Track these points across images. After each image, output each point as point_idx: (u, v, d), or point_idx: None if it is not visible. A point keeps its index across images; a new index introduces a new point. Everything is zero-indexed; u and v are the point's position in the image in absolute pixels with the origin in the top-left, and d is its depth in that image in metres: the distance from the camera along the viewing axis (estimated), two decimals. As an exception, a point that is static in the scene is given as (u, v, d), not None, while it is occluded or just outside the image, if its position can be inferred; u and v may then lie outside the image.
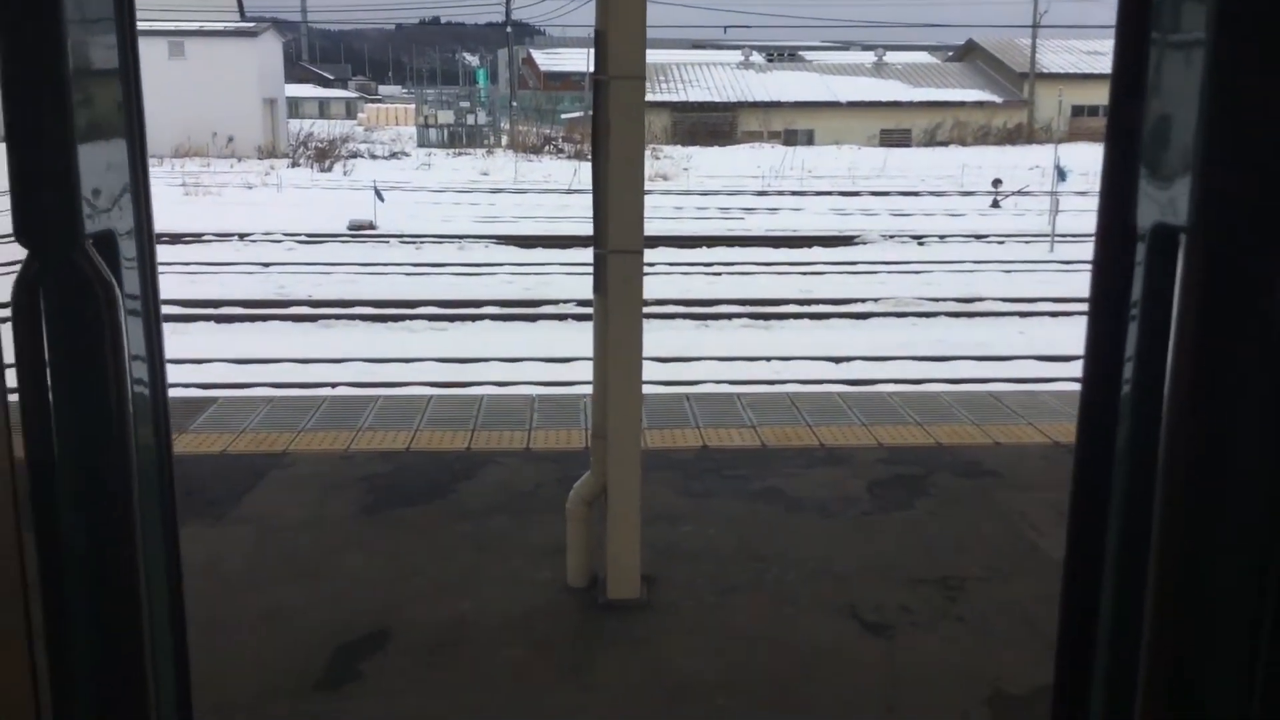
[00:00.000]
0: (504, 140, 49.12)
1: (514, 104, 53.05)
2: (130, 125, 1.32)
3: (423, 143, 49.12)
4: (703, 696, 3.56)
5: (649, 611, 4.09)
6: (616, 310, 3.85)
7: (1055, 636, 1.73)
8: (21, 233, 1.20)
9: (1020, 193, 27.50)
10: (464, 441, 5.89)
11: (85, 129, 1.23)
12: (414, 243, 20.03)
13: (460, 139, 49.47)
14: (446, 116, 51.42)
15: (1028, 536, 4.76)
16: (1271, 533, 1.21)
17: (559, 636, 3.92)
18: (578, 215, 24.25)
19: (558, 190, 30.00)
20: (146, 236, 1.37)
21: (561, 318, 13.70)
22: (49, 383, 1.24)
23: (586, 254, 19.39)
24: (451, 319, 13.58)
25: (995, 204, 26.63)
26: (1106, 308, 1.21)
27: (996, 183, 27.95)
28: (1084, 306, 1.40)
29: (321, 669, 3.67)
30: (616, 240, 3.81)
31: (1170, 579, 1.32)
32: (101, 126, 1.29)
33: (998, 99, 51.04)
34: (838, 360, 11.35)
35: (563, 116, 51.28)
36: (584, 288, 15.34)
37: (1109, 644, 1.54)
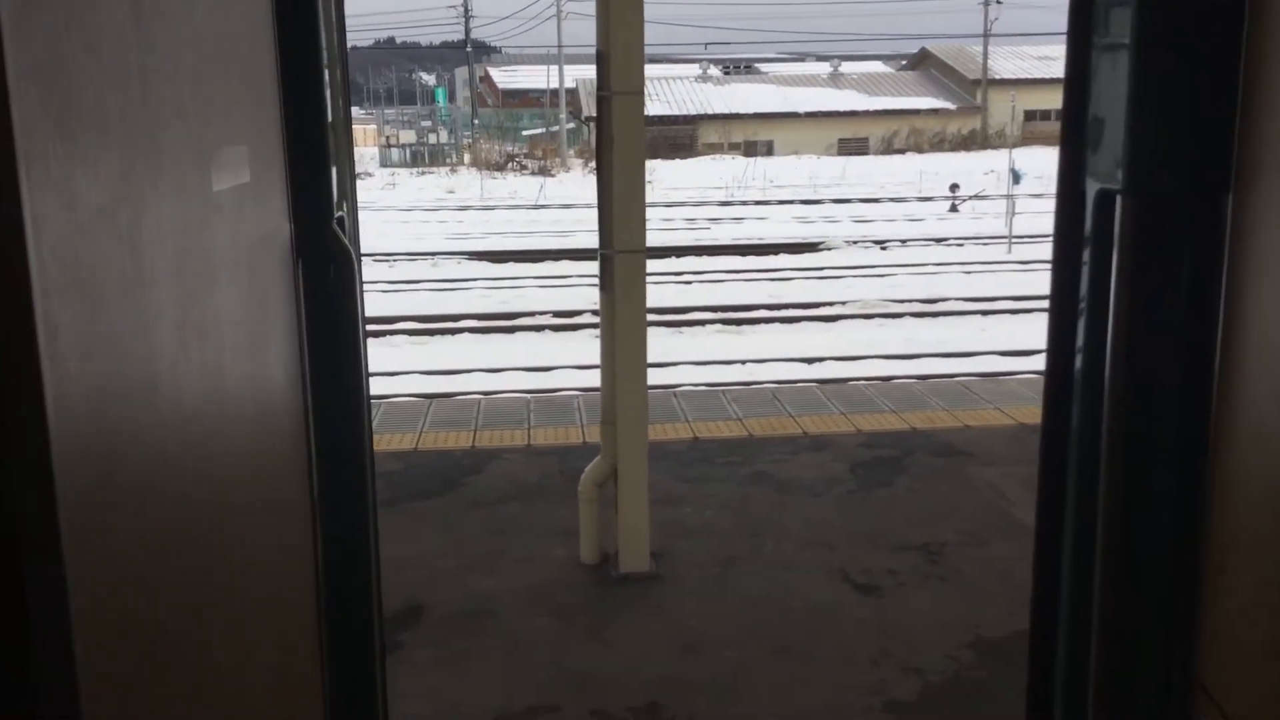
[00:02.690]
0: (466, 158, 49.42)
1: (476, 122, 53.38)
2: (349, 150, 1.71)
3: (385, 163, 49.33)
4: (713, 651, 3.93)
5: (659, 582, 4.45)
6: (623, 305, 4.23)
7: (1030, 589, 2.11)
8: (293, 216, 1.57)
9: (977, 197, 28.20)
10: (468, 441, 6.23)
11: (333, 153, 1.61)
12: (387, 260, 20.32)
13: (423, 158, 49.76)
14: (408, 136, 51.71)
15: (999, 505, 5.18)
16: (1198, 462, 1.55)
17: (578, 605, 4.27)
18: (546, 230, 24.66)
19: (524, 206, 30.37)
20: (355, 225, 1.75)
21: (539, 329, 14.06)
22: (305, 321, 1.60)
23: (558, 267, 19.68)
24: (431, 333, 13.89)
25: (953, 208, 27.30)
26: (1064, 258, 1.60)
27: (954, 188, 28.65)
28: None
29: (363, 641, 4.00)
30: (621, 241, 4.19)
31: (1114, 504, 1.67)
32: (338, 152, 1.67)
33: (952, 106, 52.01)
34: (810, 361, 11.78)
35: (524, 134, 51.68)
36: (558, 300, 15.74)
37: (1070, 594, 1.92)
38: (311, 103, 1.57)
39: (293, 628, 1.64)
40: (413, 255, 20.82)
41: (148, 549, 1.07)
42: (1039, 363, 10.71)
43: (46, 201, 0.85)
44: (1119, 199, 1.45)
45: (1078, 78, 1.58)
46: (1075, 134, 1.59)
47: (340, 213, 1.66)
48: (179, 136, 1.14)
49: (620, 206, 4.17)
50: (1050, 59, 51.20)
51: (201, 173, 1.19)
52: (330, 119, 1.60)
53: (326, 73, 1.58)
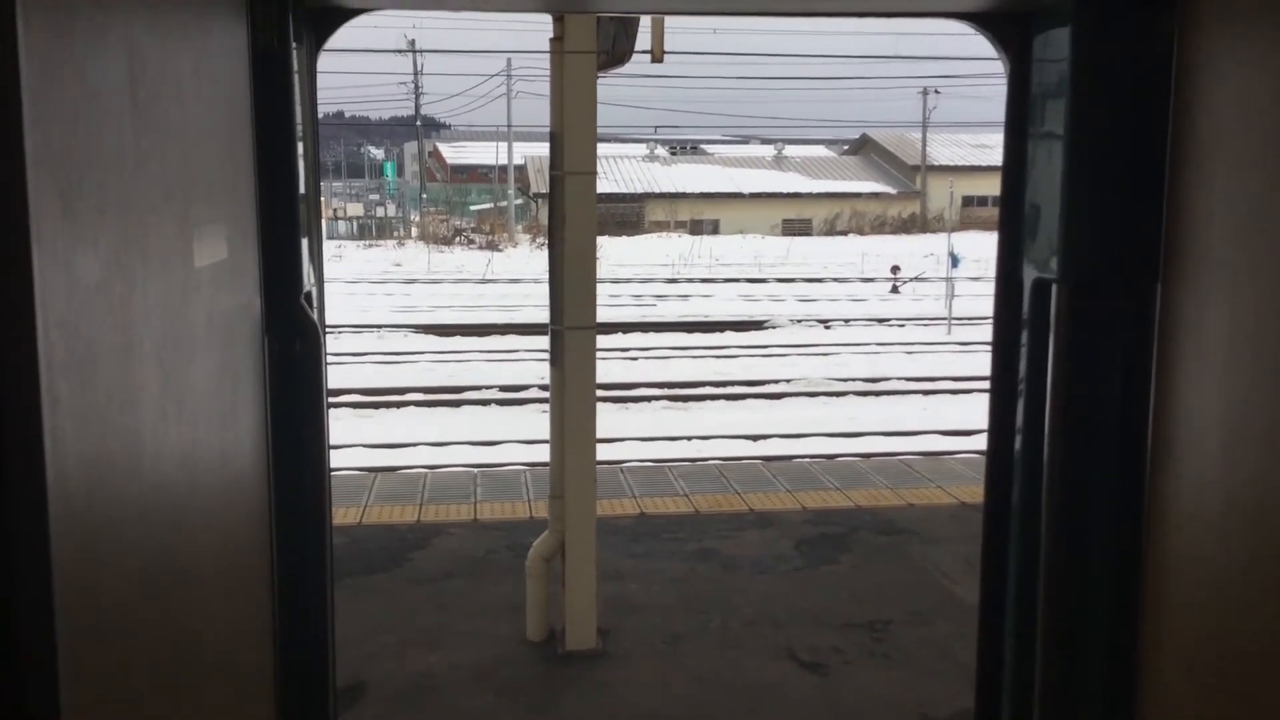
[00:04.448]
0: (414, 232, 49.51)
1: (424, 196, 53.60)
2: (316, 229, 1.74)
3: (332, 235, 49.23)
4: (660, 730, 3.90)
5: (606, 659, 4.42)
6: (573, 379, 4.26)
7: (973, 668, 2.15)
8: (264, 290, 1.60)
9: (917, 279, 28.75)
10: (413, 515, 6.18)
11: (302, 230, 1.65)
12: (332, 332, 20.18)
13: (370, 231, 49.79)
14: (356, 209, 51.79)
15: (942, 584, 5.23)
16: (1133, 535, 1.61)
17: (524, 683, 4.23)
18: (493, 304, 24.69)
19: (472, 280, 30.41)
20: (321, 298, 1.78)
21: (485, 403, 14.00)
22: (270, 390, 1.62)
23: (505, 341, 19.65)
24: (376, 406, 13.80)
25: (895, 289, 27.80)
26: (1003, 342, 1.67)
27: (895, 269, 29.20)
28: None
29: None
30: (572, 318, 4.23)
31: (1054, 579, 1.73)
32: (308, 230, 1.70)
33: (892, 190, 53.25)
34: (755, 438, 11.85)
35: (472, 209, 51.95)
36: (505, 374, 15.71)
37: (1013, 668, 1.96)
38: (285, 179, 1.61)
39: (249, 690, 1.63)
40: (358, 328, 20.72)
41: (127, 610, 1.08)
42: (979, 442, 10.85)
43: (53, 279, 0.88)
44: (1054, 287, 1.52)
45: (1015, 168, 1.67)
46: (1012, 224, 1.67)
47: (308, 287, 1.70)
48: (166, 216, 1.17)
49: (571, 283, 4.22)
50: (986, 147, 52.69)
51: (185, 250, 1.22)
52: (303, 192, 1.64)
53: (301, 145, 1.63)
